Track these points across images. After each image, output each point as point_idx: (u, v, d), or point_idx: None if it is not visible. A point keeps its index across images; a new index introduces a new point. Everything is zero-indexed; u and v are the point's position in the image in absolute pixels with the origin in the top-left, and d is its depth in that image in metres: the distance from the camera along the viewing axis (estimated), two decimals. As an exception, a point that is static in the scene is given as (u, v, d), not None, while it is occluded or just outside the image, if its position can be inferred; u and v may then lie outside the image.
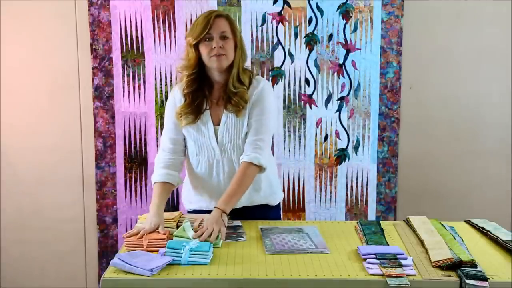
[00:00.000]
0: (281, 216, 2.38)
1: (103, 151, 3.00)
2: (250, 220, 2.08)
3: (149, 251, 1.72)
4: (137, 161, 3.01)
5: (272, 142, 2.83)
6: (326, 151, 3.01)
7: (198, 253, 1.64)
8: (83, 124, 3.00)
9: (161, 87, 2.96)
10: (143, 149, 3.00)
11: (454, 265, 1.58)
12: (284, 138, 2.99)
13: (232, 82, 2.02)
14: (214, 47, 1.97)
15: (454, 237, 1.81)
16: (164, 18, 2.92)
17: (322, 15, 2.91)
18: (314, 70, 2.95)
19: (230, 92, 2.02)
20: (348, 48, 2.94)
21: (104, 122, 2.98)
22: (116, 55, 2.94)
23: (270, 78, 2.95)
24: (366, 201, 3.03)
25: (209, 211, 1.97)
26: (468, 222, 2.08)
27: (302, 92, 2.97)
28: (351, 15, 2.91)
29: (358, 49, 2.94)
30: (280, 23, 2.92)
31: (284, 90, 2.96)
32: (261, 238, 1.87)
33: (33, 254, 3.10)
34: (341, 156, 3.01)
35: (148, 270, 1.55)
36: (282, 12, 2.91)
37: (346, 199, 3.03)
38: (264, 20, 2.92)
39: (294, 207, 3.03)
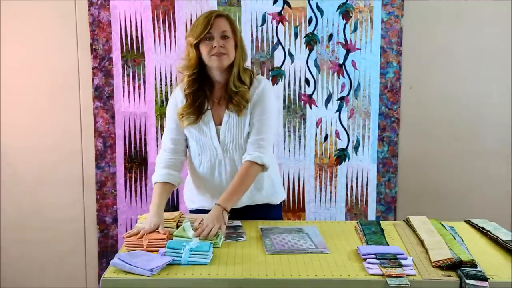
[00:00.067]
0: (282, 216, 2.38)
1: (103, 151, 3.00)
2: (252, 219, 2.09)
3: (149, 251, 1.72)
4: (137, 161, 3.01)
5: (272, 142, 2.83)
6: (326, 151, 3.01)
7: (198, 253, 1.64)
8: (83, 124, 3.00)
9: (161, 87, 2.96)
10: (143, 149, 3.00)
11: (454, 265, 1.58)
12: (284, 138, 2.99)
13: (233, 82, 2.02)
14: (215, 46, 1.98)
15: (454, 237, 1.81)
16: (164, 18, 2.92)
17: (322, 15, 2.91)
18: (314, 70, 2.95)
19: (231, 91, 2.03)
20: (348, 48, 2.94)
21: (104, 122, 2.98)
22: (116, 55, 2.94)
23: (270, 78, 2.95)
24: (366, 201, 3.03)
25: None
26: (468, 222, 2.08)
27: (302, 92, 2.97)
28: (351, 15, 2.91)
29: (358, 49, 2.94)
30: (280, 23, 2.92)
31: (284, 90, 2.96)
32: (261, 238, 1.87)
33: (33, 254, 3.10)
34: (341, 156, 3.01)
35: (148, 270, 1.55)
36: (282, 12, 2.91)
37: (346, 199, 3.03)
38: (264, 20, 2.92)
39: (294, 207, 3.03)
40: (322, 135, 3.00)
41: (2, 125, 3.01)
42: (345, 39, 2.93)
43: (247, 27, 2.92)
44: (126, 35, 2.93)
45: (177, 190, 2.96)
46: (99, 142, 2.99)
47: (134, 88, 2.96)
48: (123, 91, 2.96)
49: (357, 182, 3.02)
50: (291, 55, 2.94)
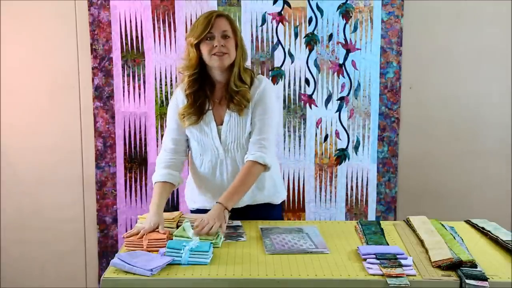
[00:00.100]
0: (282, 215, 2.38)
1: (103, 151, 3.00)
2: (252, 218, 2.09)
3: (149, 251, 1.72)
4: (137, 161, 3.01)
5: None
6: (326, 151, 3.01)
7: (198, 253, 1.64)
8: (83, 124, 3.00)
9: (161, 87, 2.96)
10: (143, 149, 3.00)
11: (454, 265, 1.58)
12: (284, 138, 2.99)
13: (233, 81, 2.02)
14: (216, 46, 1.98)
15: (454, 237, 1.81)
16: (164, 18, 2.92)
17: (322, 15, 2.91)
18: (314, 70, 2.95)
19: (232, 91, 2.03)
20: (348, 48, 2.94)
21: (104, 122, 2.98)
22: (116, 55, 2.94)
23: (270, 78, 2.94)
24: (366, 201, 3.03)
25: None
26: (468, 222, 2.08)
27: (302, 92, 2.97)
28: (351, 15, 2.91)
29: (358, 49, 2.94)
30: (280, 23, 2.92)
31: (284, 90, 2.96)
32: (261, 238, 1.87)
33: (33, 254, 3.10)
34: (341, 156, 3.01)
35: (148, 270, 1.55)
36: (282, 12, 2.91)
37: (346, 199, 3.03)
38: (264, 20, 2.92)
39: (294, 207, 3.03)
40: (322, 135, 3.00)
41: (2, 125, 3.01)
42: (345, 39, 2.93)
43: (247, 27, 2.92)
44: (126, 35, 2.93)
45: (177, 190, 2.96)
46: (99, 142, 2.99)
47: (134, 88, 2.96)
48: (123, 91, 2.96)
49: (357, 182, 3.02)
50: (291, 55, 2.94)
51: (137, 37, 2.93)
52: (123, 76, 2.95)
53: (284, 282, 1.55)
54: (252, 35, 2.92)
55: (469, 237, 1.89)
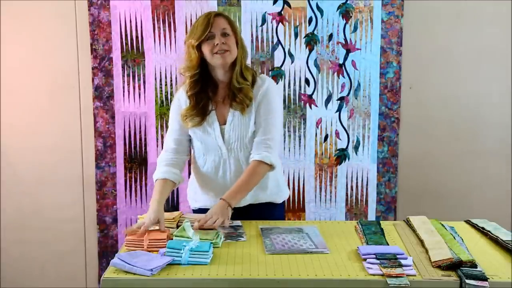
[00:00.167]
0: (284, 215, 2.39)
1: (103, 151, 3.00)
2: (254, 217, 2.09)
3: (149, 251, 1.72)
4: (137, 161, 3.01)
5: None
6: (326, 151, 3.01)
7: (198, 253, 1.64)
8: (83, 124, 3.00)
9: (161, 87, 2.96)
10: (143, 149, 3.00)
11: (454, 265, 1.58)
12: (284, 138, 2.99)
13: (235, 78, 2.03)
14: (217, 44, 1.99)
15: (454, 237, 1.81)
16: (164, 18, 2.92)
17: (322, 15, 2.91)
18: (314, 70, 2.95)
19: (234, 88, 2.04)
20: (348, 48, 2.94)
21: (104, 122, 2.98)
22: (116, 55, 2.94)
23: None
24: (366, 201, 3.03)
25: None
26: (468, 222, 2.08)
27: (302, 92, 2.97)
28: (351, 15, 2.91)
29: (358, 49, 2.94)
30: (280, 23, 2.92)
31: (284, 90, 2.96)
32: (261, 238, 1.87)
33: (33, 254, 3.10)
34: (341, 156, 3.01)
35: (148, 270, 1.55)
36: (282, 12, 2.91)
37: (346, 199, 3.03)
38: (264, 20, 2.92)
39: (294, 207, 3.03)
40: (322, 135, 3.00)
41: (2, 125, 3.01)
42: (345, 39, 2.93)
43: (247, 27, 2.92)
44: (126, 35, 2.93)
45: (177, 190, 2.96)
46: (99, 142, 2.99)
47: (134, 88, 2.96)
48: (123, 91, 2.96)
49: (357, 182, 3.02)
50: (291, 55, 2.94)
51: (137, 37, 2.93)
52: (123, 76, 2.95)
53: (284, 282, 1.55)
54: (252, 35, 2.92)
55: (469, 237, 1.89)
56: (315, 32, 2.92)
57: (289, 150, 3.00)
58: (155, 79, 2.96)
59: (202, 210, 2.13)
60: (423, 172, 3.04)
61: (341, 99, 2.97)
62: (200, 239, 1.75)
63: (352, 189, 3.03)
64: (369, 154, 3.00)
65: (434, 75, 2.97)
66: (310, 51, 2.94)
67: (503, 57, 2.95)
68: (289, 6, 2.90)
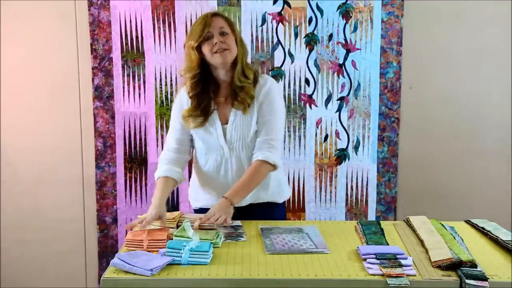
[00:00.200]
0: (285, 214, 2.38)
1: (103, 151, 3.00)
2: (255, 217, 2.10)
3: (149, 251, 1.72)
4: (137, 161, 3.01)
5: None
6: (326, 151, 3.01)
7: (198, 253, 1.64)
8: (83, 124, 3.00)
9: (161, 87, 2.96)
10: (143, 149, 3.00)
11: (454, 265, 1.58)
12: (284, 138, 2.98)
13: (237, 77, 2.04)
14: (216, 43, 1.99)
15: (454, 237, 1.81)
16: (164, 18, 2.92)
17: (322, 15, 2.91)
18: (314, 70, 2.95)
19: (236, 87, 2.04)
20: (348, 48, 2.94)
21: (104, 122, 2.98)
22: (116, 55, 2.94)
23: (270, 78, 2.95)
24: (366, 201, 3.03)
25: None
26: (468, 222, 2.08)
27: (302, 92, 2.97)
28: (351, 15, 2.91)
29: (358, 49, 2.94)
30: (280, 23, 2.92)
31: (284, 90, 2.96)
32: (261, 238, 1.87)
33: (33, 254, 3.10)
34: (341, 156, 3.01)
35: (148, 270, 1.55)
36: (282, 12, 2.91)
37: (346, 199, 3.03)
38: (264, 20, 2.92)
39: (294, 207, 3.03)
40: (322, 135, 3.00)
41: (2, 125, 3.01)
42: (345, 39, 2.93)
43: (247, 27, 2.92)
44: (126, 35, 2.93)
45: (177, 190, 2.96)
46: (99, 142, 2.99)
47: (134, 88, 2.96)
48: (123, 91, 2.96)
49: (357, 182, 3.02)
50: (291, 55, 2.94)
51: (137, 37, 2.93)
52: (123, 76, 2.95)
53: (284, 282, 1.55)
54: (252, 35, 2.92)
55: (469, 237, 1.89)
56: (315, 32, 2.92)
57: (289, 150, 3.00)
58: (155, 79, 2.96)
59: (204, 210, 2.12)
60: (423, 172, 3.04)
61: (341, 99, 2.97)
62: (200, 239, 1.75)
63: (352, 189, 3.03)
64: (369, 154, 3.00)
65: (434, 75, 2.97)
66: (310, 51, 2.94)
67: (503, 57, 2.95)
68: (289, 6, 2.90)
